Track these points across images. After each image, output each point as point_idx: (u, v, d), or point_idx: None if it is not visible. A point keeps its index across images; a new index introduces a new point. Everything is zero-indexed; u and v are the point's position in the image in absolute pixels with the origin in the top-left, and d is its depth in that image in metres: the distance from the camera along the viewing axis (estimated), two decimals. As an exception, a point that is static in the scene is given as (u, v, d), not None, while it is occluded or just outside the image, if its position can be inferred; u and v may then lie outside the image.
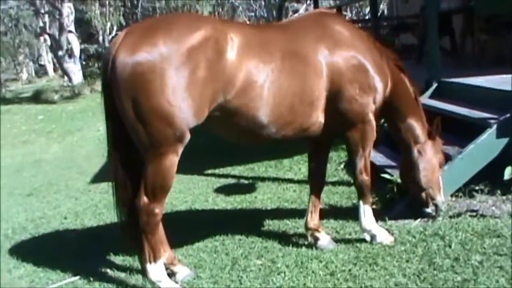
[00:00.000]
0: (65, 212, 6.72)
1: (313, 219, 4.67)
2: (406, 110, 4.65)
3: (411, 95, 4.68)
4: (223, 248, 4.90)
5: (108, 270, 4.62)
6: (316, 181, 4.74)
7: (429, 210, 4.82)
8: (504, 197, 5.15)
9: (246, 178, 7.28)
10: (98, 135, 13.09)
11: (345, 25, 4.42)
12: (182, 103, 3.68)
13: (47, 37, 26.44)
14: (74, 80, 24.43)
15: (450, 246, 4.33)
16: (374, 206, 5.13)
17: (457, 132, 5.72)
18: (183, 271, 4.38)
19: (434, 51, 6.81)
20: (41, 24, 26.65)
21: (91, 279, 4.50)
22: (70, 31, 24.04)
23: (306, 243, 4.73)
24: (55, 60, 30.96)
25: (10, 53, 31.31)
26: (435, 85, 6.84)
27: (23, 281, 4.69)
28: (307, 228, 4.70)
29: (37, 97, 23.17)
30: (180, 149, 3.88)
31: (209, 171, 7.77)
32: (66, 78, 25.35)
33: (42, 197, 7.53)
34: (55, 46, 24.29)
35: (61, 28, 23.59)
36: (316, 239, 4.66)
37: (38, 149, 12.47)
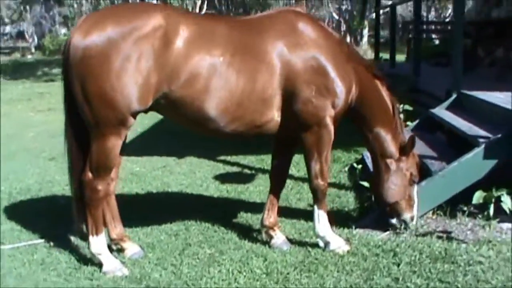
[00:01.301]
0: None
1: (270, 217, 4.60)
2: (375, 120, 4.45)
3: (385, 104, 4.47)
4: (185, 233, 4.95)
5: (72, 239, 4.76)
6: (276, 178, 4.65)
7: (394, 221, 4.64)
8: (487, 222, 4.81)
9: (251, 168, 7.24)
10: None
11: (312, 25, 4.26)
12: (124, 89, 3.79)
13: None
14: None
15: (398, 265, 4.13)
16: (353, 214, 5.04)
17: (459, 148, 5.41)
18: (132, 249, 4.48)
19: (456, 61, 6.45)
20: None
21: (51, 244, 4.68)
22: None
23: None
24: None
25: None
26: (454, 96, 6.49)
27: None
28: (262, 225, 4.64)
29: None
30: (124, 132, 4.00)
31: (221, 157, 7.78)
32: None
33: (61, 162, 7.84)
34: None
35: None
36: (270, 237, 4.60)
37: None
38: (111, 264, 4.18)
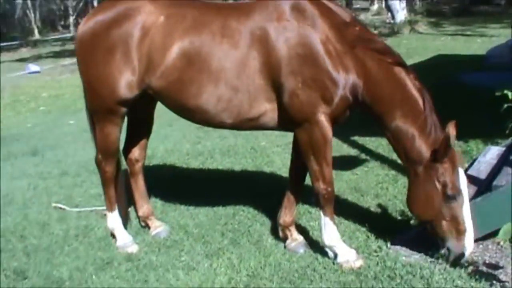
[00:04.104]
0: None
1: (286, 215, 4.23)
2: (392, 116, 3.63)
3: (407, 96, 3.62)
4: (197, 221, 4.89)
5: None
6: (295, 174, 4.23)
7: (443, 250, 3.73)
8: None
9: (372, 153, 6.57)
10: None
11: (311, 6, 3.66)
12: (108, 78, 3.92)
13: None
14: (397, 18, 24.21)
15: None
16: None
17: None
18: (156, 226, 4.63)
19: None
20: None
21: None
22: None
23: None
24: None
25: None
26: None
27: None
28: (278, 223, 4.30)
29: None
30: (117, 120, 4.13)
31: (353, 137, 7.19)
32: (389, 14, 25.32)
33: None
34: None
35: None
36: (286, 237, 4.25)
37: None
38: (123, 239, 4.41)
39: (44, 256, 4.36)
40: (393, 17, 24.61)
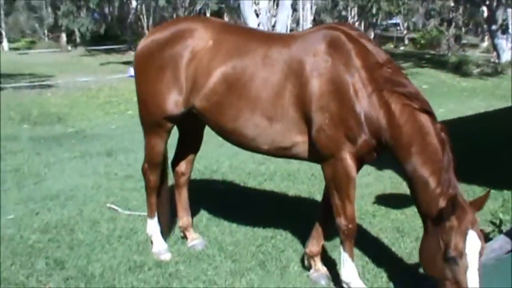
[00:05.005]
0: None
1: (312, 245, 4.28)
2: (410, 164, 3.55)
3: (428, 146, 3.51)
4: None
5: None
6: (325, 207, 4.25)
7: None
8: None
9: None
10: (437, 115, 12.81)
11: (348, 45, 3.71)
12: (157, 95, 4.21)
13: (484, 8, 25.61)
14: (502, 57, 23.31)
15: None
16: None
17: None
18: (193, 238, 4.85)
19: None
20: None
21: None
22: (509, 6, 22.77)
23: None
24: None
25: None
26: None
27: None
28: (305, 251, 4.36)
29: (457, 67, 23.26)
30: (163, 134, 4.40)
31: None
32: (494, 53, 24.38)
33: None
34: (490, 19, 23.49)
35: (500, 2, 22.56)
36: (310, 266, 4.31)
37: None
38: (159, 246, 4.65)
39: (84, 251, 4.68)
40: (498, 56, 23.72)
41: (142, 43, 4.33)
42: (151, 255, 4.61)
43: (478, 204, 3.42)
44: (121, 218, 5.50)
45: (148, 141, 4.46)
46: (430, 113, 3.58)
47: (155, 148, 4.43)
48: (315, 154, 3.87)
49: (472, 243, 3.31)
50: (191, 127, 4.63)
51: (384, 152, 3.74)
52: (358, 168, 3.89)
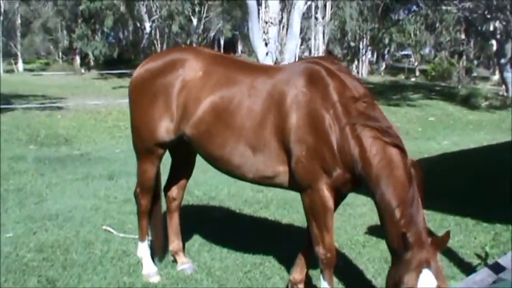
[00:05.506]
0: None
1: (296, 273, 4.38)
2: (379, 189, 3.61)
3: (394, 176, 3.57)
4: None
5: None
6: (309, 236, 4.34)
7: None
8: None
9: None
10: (440, 147, 12.92)
11: (326, 79, 3.86)
12: (150, 122, 4.38)
13: (494, 42, 25.80)
14: (511, 91, 23.40)
15: None
16: None
17: None
18: (183, 262, 4.96)
19: None
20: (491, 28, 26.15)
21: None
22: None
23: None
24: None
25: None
26: None
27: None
28: (289, 279, 4.46)
29: (466, 99, 23.36)
30: (154, 160, 4.57)
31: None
32: (503, 87, 24.48)
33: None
34: (499, 52, 23.65)
35: (508, 35, 22.73)
36: (292, 293, 4.40)
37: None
38: (148, 269, 4.77)
39: (77, 271, 4.80)
40: (507, 89, 23.81)
41: (136, 72, 4.51)
42: (140, 277, 4.72)
43: (439, 242, 3.44)
44: (115, 240, 5.62)
45: (140, 166, 4.61)
46: (400, 148, 3.66)
47: (146, 173, 4.58)
48: (296, 184, 4.01)
49: (425, 281, 3.32)
50: (183, 153, 4.77)
51: (360, 184, 3.83)
52: (339, 199, 4.03)
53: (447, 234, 3.44)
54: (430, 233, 3.54)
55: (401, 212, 3.49)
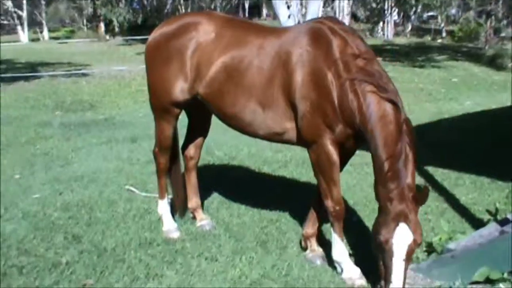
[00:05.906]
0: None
1: (308, 227, 4.55)
2: (373, 143, 3.71)
3: (387, 130, 3.65)
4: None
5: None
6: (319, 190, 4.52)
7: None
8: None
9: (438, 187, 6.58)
10: (462, 107, 12.82)
11: (329, 38, 3.98)
12: (165, 82, 4.54)
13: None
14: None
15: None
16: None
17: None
18: (202, 219, 5.18)
19: None
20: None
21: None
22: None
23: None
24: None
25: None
26: None
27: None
28: (302, 233, 4.64)
29: (492, 60, 22.90)
30: (171, 119, 4.75)
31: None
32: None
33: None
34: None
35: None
36: (306, 248, 4.58)
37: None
38: (169, 225, 5.00)
39: (100, 228, 5.06)
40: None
41: (152, 36, 4.66)
42: (161, 233, 4.95)
43: (419, 198, 3.55)
44: (137, 199, 5.86)
45: (157, 126, 4.79)
46: (395, 103, 3.71)
47: (164, 133, 4.76)
48: (302, 140, 4.16)
49: (400, 234, 3.48)
50: (199, 114, 4.94)
51: (363, 140, 3.93)
52: (345, 156, 4.22)
53: (426, 189, 3.55)
54: (417, 189, 3.63)
55: (389, 165, 3.57)
